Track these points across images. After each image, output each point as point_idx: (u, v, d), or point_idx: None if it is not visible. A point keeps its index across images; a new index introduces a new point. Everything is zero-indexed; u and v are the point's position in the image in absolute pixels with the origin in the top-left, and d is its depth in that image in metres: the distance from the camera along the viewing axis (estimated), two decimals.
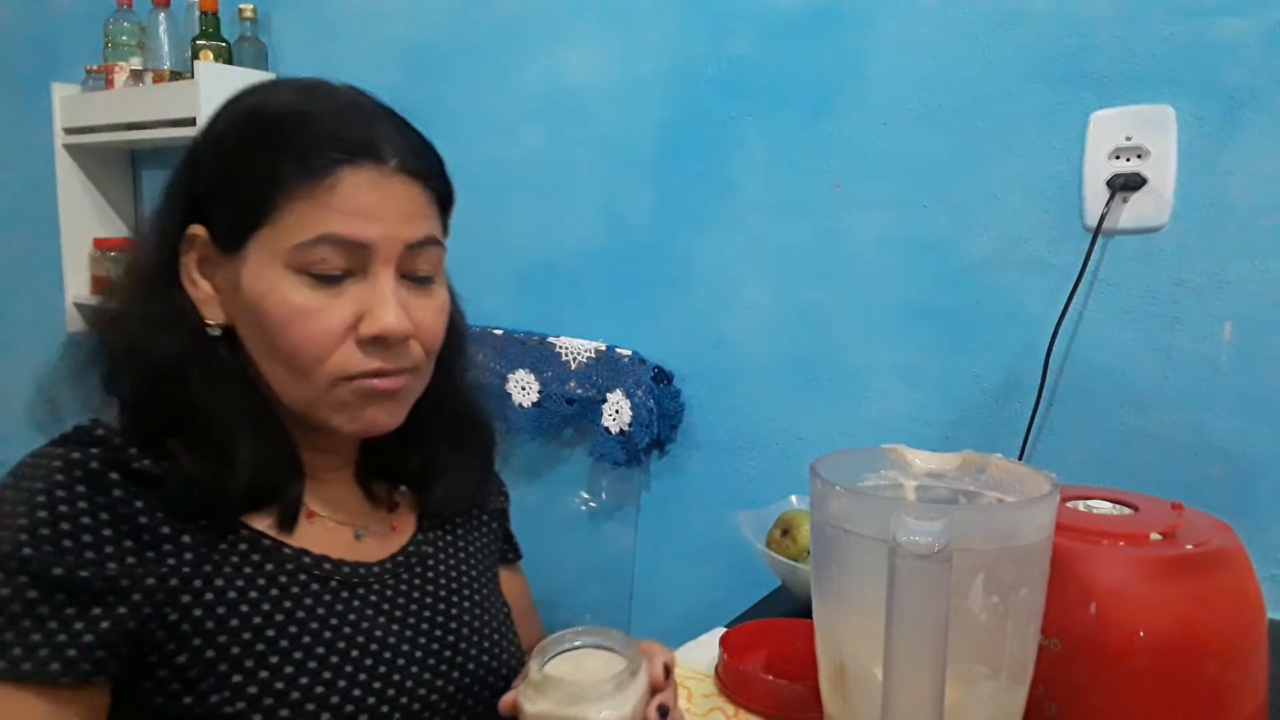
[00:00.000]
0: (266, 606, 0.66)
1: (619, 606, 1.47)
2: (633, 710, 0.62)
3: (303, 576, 0.69)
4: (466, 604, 0.79)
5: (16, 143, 2.24)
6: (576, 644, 0.66)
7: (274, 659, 0.64)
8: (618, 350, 1.39)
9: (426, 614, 0.75)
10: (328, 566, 0.71)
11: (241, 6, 1.69)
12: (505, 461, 1.53)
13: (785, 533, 1.06)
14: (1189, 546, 0.65)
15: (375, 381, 0.68)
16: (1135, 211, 1.05)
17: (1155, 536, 0.66)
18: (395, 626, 0.72)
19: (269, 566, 0.68)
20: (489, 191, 1.53)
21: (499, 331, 1.49)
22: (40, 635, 0.58)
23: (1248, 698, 0.66)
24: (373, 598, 0.72)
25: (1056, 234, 1.10)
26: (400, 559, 0.76)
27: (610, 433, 1.37)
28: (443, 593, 0.78)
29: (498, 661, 0.79)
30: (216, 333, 0.69)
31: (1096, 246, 1.07)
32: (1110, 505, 0.72)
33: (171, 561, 0.63)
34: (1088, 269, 1.07)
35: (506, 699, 0.64)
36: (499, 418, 1.52)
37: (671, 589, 1.42)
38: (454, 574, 0.80)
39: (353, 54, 1.65)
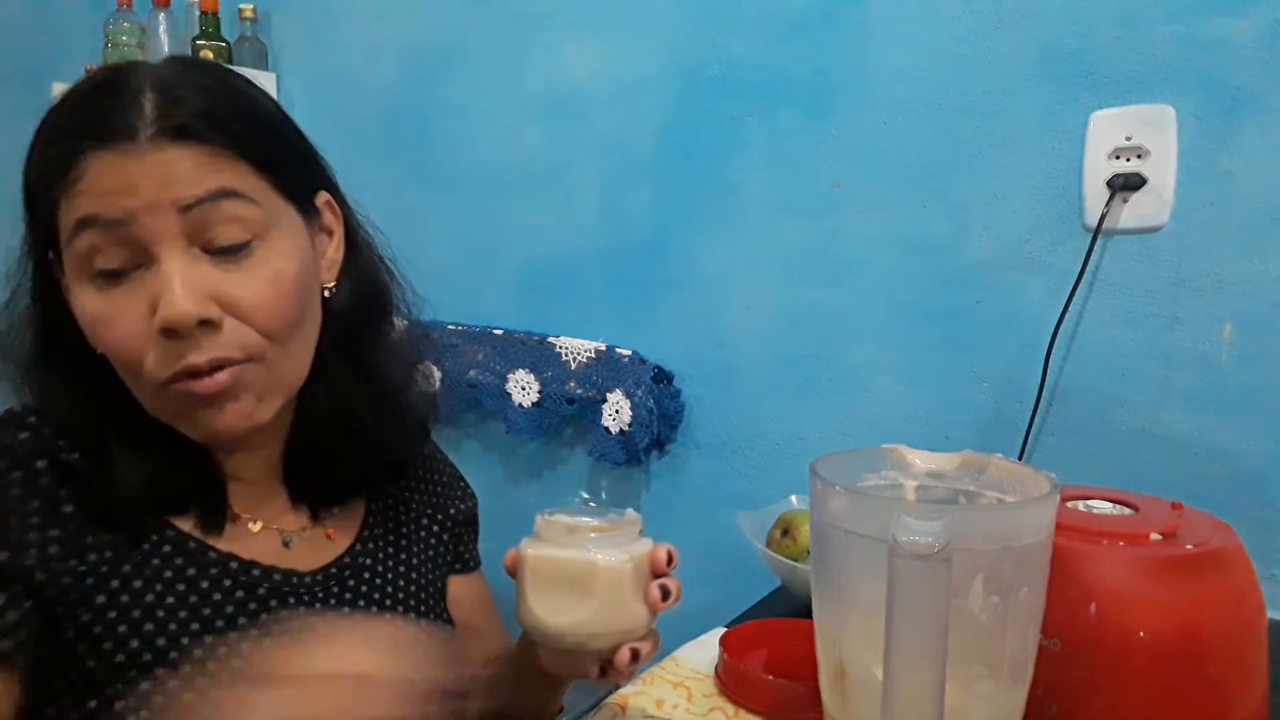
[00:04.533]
0: (184, 614, 0.63)
1: None
2: (632, 560, 0.62)
3: (227, 583, 0.65)
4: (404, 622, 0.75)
5: (17, 143, 2.23)
6: (581, 508, 0.66)
7: (186, 668, 0.61)
8: (618, 350, 1.39)
9: None
10: (256, 573, 0.67)
11: (241, 6, 1.69)
12: (505, 461, 1.56)
13: (785, 533, 1.06)
14: (1189, 546, 0.65)
15: (191, 384, 0.60)
16: (1135, 211, 1.05)
17: (1155, 536, 0.66)
18: None
19: (191, 571, 0.64)
20: (489, 191, 1.52)
21: (499, 331, 1.49)
22: None
23: (1248, 698, 0.66)
24: (302, 610, 0.68)
25: (1056, 234, 1.10)
26: (333, 570, 0.72)
27: (610, 433, 1.37)
28: (375, 610, 0.74)
29: None
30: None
31: (1096, 246, 1.07)
32: (1110, 505, 0.72)
33: (91, 558, 0.61)
34: (1088, 269, 1.07)
35: (508, 554, 0.64)
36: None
37: None
38: (391, 589, 0.76)
39: (353, 54, 1.65)
